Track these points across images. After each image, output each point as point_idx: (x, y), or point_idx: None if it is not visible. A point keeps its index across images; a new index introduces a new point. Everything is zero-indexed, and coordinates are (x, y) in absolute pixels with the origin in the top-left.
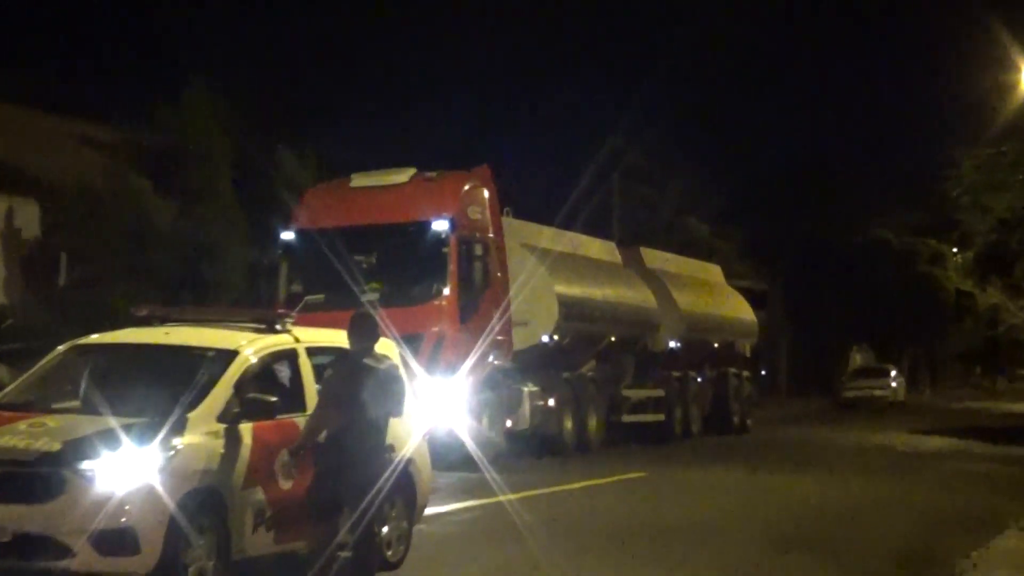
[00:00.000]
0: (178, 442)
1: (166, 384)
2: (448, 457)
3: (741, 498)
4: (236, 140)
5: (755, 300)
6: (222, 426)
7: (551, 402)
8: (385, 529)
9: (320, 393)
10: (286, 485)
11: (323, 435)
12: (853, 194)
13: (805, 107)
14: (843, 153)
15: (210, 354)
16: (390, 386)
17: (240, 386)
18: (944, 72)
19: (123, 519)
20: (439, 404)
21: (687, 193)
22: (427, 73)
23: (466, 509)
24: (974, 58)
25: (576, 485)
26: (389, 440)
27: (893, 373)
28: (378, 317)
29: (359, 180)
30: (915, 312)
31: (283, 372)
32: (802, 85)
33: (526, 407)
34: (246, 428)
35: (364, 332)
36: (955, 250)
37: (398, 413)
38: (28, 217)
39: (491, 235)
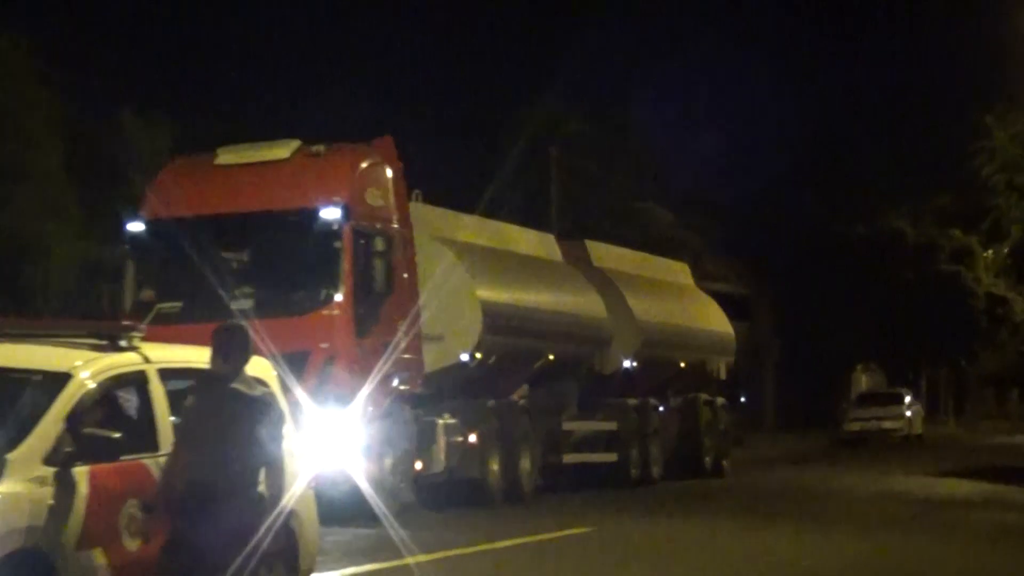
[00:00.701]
0: None
1: None
2: (341, 509)
3: (714, 563)
4: (64, 107)
5: (734, 308)
6: (51, 470)
7: (472, 438)
8: None
9: (178, 428)
10: (133, 545)
11: (182, 482)
12: (860, 175)
13: (799, 67)
14: (848, 123)
15: (35, 378)
16: (265, 419)
17: (74, 419)
18: (972, 15)
19: None
20: (329, 441)
21: (646, 171)
22: (320, 31)
23: (364, 575)
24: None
25: (504, 543)
26: (264, 488)
27: (908, 400)
28: (250, 330)
29: (227, 156)
30: (936, 322)
31: (129, 401)
32: (795, 41)
33: (440, 445)
34: (82, 472)
35: (232, 350)
36: (978, 243)
37: (276, 454)
38: None
39: (396, 225)
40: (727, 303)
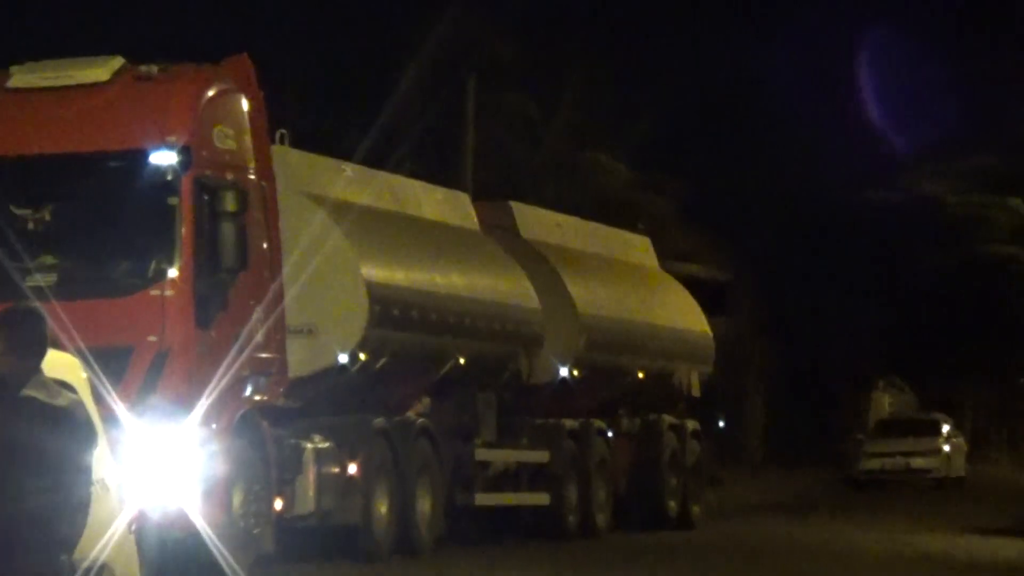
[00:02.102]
0: None
1: None
2: (174, 561)
3: None
4: None
5: (710, 299)
6: None
7: (353, 469)
8: None
9: None
10: None
11: None
12: (879, 122)
13: None
14: (864, 49)
15: None
16: (69, 438)
17: None
18: None
19: None
20: (157, 470)
21: (595, 113)
22: None
23: None
24: None
25: None
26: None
27: (946, 429)
28: (48, 316)
29: (24, 77)
30: (984, 324)
31: None
32: None
33: (310, 478)
34: None
35: (22, 342)
36: None
37: (82, 486)
38: None
39: (253, 176)
40: (702, 292)
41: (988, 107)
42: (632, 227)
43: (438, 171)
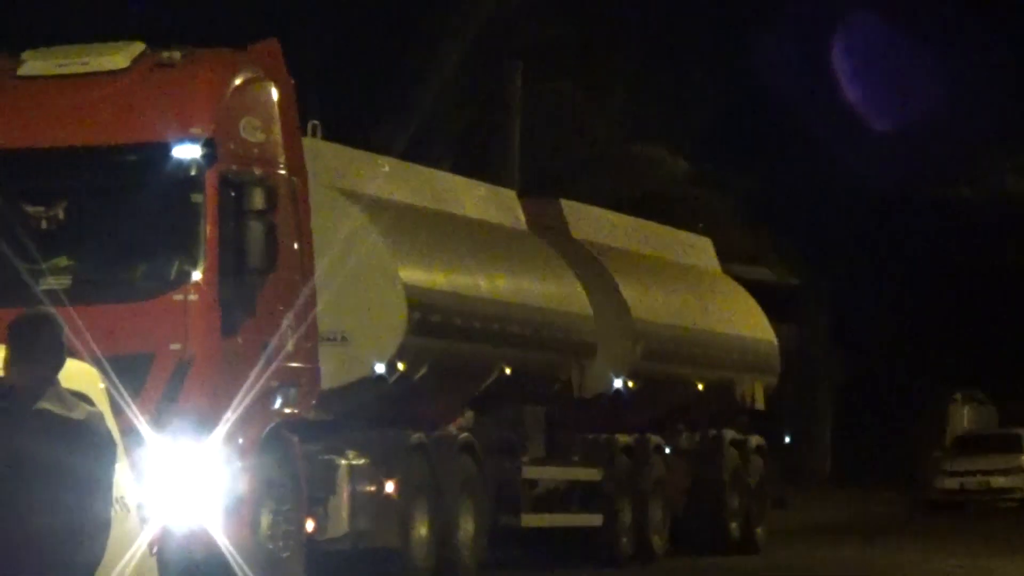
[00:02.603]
0: None
1: None
2: None
3: None
4: None
5: (777, 305)
6: None
7: (390, 488)
8: None
9: None
10: None
11: None
12: (958, 116)
13: None
14: (943, 35)
15: None
16: (88, 454)
17: None
18: None
19: None
20: (180, 487)
21: (646, 101)
22: None
23: None
24: None
25: None
26: (87, 553)
27: None
28: (64, 322)
29: (37, 64)
30: None
31: None
32: None
33: (343, 497)
34: None
35: (36, 352)
36: None
37: (101, 504)
38: None
39: (283, 171)
40: (767, 298)
41: None
42: (692, 227)
43: (481, 165)
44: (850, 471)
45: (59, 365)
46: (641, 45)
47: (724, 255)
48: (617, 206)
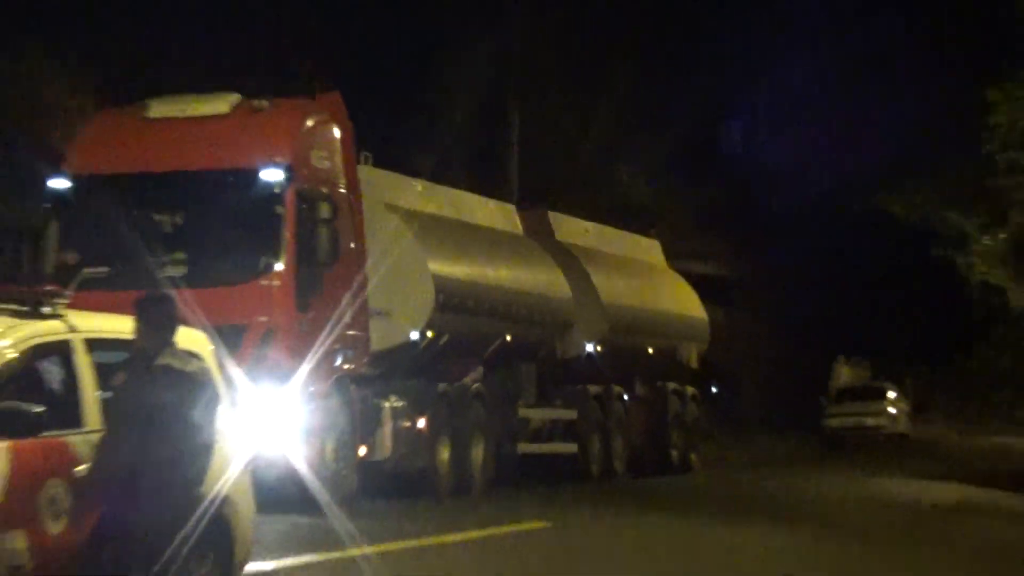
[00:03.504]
0: None
1: None
2: (278, 496)
3: (676, 566)
4: None
5: (711, 291)
6: None
7: (421, 424)
8: None
9: (109, 405)
10: (56, 528)
11: (112, 464)
12: (853, 147)
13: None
14: (840, 91)
15: None
16: (198, 396)
17: None
18: None
19: None
20: (266, 423)
21: (620, 132)
22: None
23: (303, 567)
24: None
25: (454, 537)
26: (196, 472)
27: (891, 395)
28: (178, 300)
29: (160, 108)
30: (929, 313)
31: (52, 372)
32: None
33: (387, 430)
34: (1, 448)
35: (156, 321)
36: (976, 229)
37: (209, 435)
38: None
39: (343, 190)
40: (704, 286)
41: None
42: (646, 232)
43: (489, 184)
44: (768, 416)
45: (174, 331)
46: (618, 87)
47: (677, 254)
48: (596, 214)
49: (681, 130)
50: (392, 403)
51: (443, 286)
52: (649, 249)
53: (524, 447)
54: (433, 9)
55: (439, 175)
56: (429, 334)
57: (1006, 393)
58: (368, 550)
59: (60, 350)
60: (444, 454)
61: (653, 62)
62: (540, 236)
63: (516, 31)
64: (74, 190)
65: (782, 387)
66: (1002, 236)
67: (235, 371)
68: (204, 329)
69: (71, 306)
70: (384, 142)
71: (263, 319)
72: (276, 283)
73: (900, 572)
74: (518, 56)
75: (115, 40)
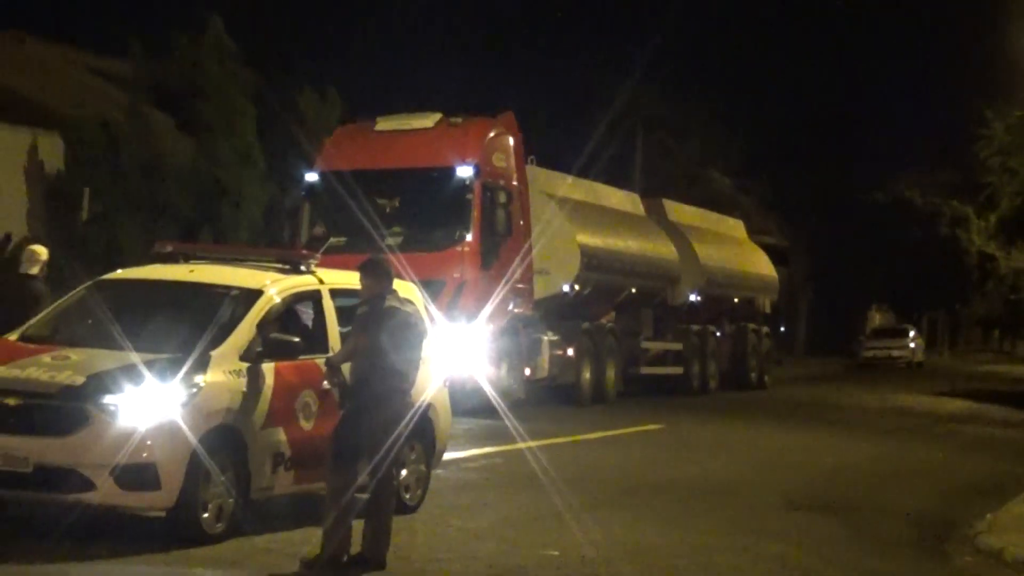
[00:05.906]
0: (200, 379)
1: (189, 321)
2: (467, 403)
3: (756, 455)
4: (254, 77)
5: (776, 256)
6: (244, 365)
7: (570, 352)
8: (404, 473)
9: (355, 322)
10: (307, 426)
11: (351, 378)
12: (882, 149)
13: (832, 57)
14: (873, 106)
15: (234, 293)
16: (413, 330)
17: (263, 326)
18: (984, 25)
19: (145, 455)
20: (459, 351)
21: (709, 144)
22: (446, 20)
23: (484, 455)
24: (1015, 11)
25: (593, 435)
26: (410, 383)
27: (912, 334)
28: (390, 262)
29: (384, 123)
30: (937, 274)
31: (306, 313)
32: (828, 33)
33: (545, 356)
34: (268, 368)
35: (379, 275)
36: (974, 212)
37: (415, 357)
38: (51, 151)
39: (515, 183)
40: (771, 253)
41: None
42: (731, 214)
43: (621, 180)
44: (816, 347)
45: (390, 283)
46: (706, 113)
47: (748, 229)
48: (693, 203)
49: (753, 145)
50: (549, 337)
51: (586, 252)
52: (735, 226)
53: (644, 369)
54: (585, 57)
55: (584, 172)
56: (576, 287)
57: (996, 332)
58: (531, 444)
59: (312, 297)
60: (586, 374)
61: (733, 104)
62: (656, 217)
63: (638, 78)
64: (322, 181)
65: (828, 327)
66: (993, 218)
67: (437, 313)
68: (416, 283)
69: (320, 265)
70: (545, 148)
71: (457, 276)
72: (467, 249)
73: (920, 460)
74: (644, 96)
75: (352, 76)
